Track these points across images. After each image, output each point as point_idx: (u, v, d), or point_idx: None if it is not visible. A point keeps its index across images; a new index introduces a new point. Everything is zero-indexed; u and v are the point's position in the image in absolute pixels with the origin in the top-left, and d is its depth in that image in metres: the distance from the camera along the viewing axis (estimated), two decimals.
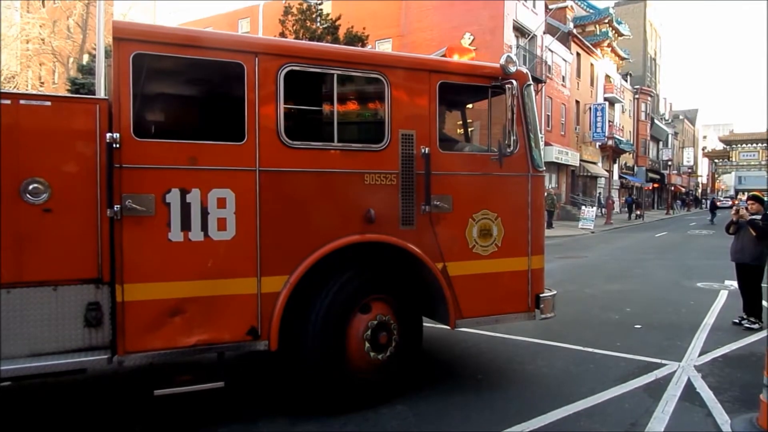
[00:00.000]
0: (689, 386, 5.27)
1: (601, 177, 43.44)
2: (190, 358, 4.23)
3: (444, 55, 5.39)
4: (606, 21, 43.70)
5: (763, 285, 7.66)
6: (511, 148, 4.88)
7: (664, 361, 5.96)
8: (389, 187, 4.59)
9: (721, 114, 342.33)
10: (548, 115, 34.11)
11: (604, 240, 22.78)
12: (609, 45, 44.38)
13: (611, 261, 15.52)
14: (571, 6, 39.77)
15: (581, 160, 38.86)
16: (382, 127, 4.58)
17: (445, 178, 4.81)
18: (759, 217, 7.65)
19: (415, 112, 4.69)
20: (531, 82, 5.27)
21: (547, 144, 32.97)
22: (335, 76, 4.41)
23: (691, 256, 16.81)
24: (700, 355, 6.30)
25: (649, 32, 62.10)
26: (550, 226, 27.23)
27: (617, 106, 47.38)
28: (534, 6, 32.11)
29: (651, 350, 6.39)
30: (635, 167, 53.84)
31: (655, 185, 60.41)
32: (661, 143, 64.63)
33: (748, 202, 7.95)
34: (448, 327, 4.86)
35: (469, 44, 28.74)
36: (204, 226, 4.00)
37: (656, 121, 60.32)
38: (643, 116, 55.09)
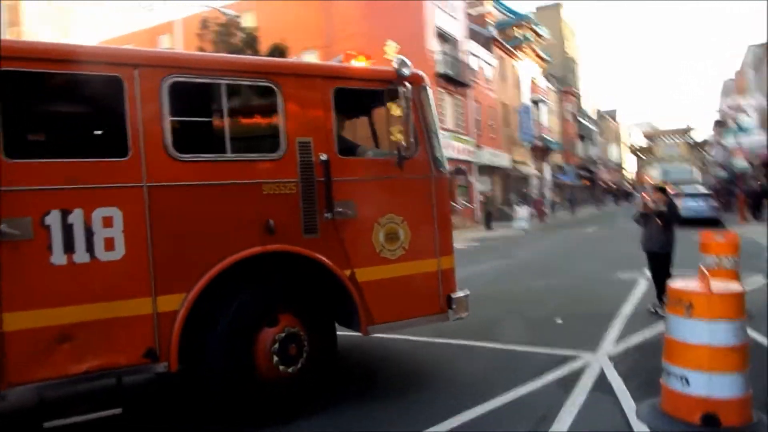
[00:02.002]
0: (601, 376, 5.39)
1: (533, 177, 44.77)
2: (88, 385, 4.00)
3: (342, 62, 5.38)
4: (526, 24, 45.24)
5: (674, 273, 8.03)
6: (411, 151, 4.90)
7: (579, 353, 6.08)
8: (289, 196, 4.51)
9: (643, 113, 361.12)
10: (477, 119, 34.90)
11: (537, 238, 23.40)
12: (530, 48, 45.94)
13: (541, 258, 15.96)
14: (491, 12, 41.01)
15: (513, 161, 39.93)
16: (277, 135, 4.50)
17: (348, 184, 4.77)
18: (663, 206, 8.02)
19: (312, 120, 4.63)
20: (427, 84, 5.32)
21: (478, 147, 33.75)
22: (223, 85, 4.30)
23: (616, 248, 17.45)
24: (614, 344, 6.50)
25: (565, 33, 64.71)
26: (489, 227, 27.88)
27: (543, 107, 49.03)
28: (454, 11, 32.79)
29: (569, 343, 6.50)
30: (565, 165, 55.86)
31: (587, 182, 62.84)
32: (588, 141, 67.37)
33: (654, 193, 8.33)
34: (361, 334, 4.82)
35: (395, 52, 29.09)
36: (90, 247, 3.79)
37: (581, 119, 62.84)
38: (568, 116, 57.27)
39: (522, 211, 28.54)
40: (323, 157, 4.58)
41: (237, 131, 4.47)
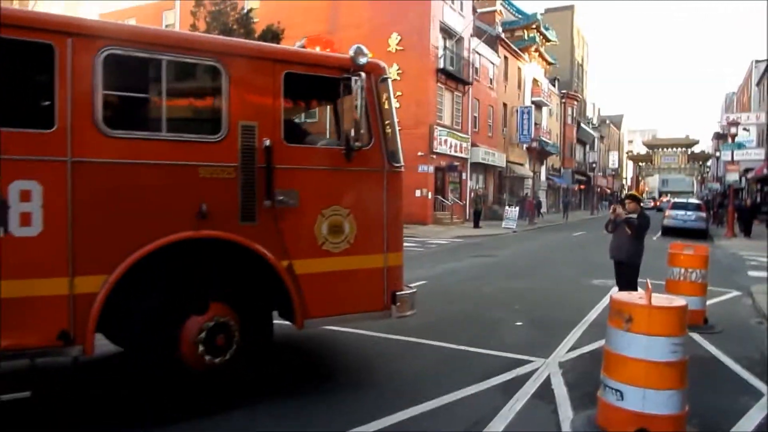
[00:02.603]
0: (546, 383, 5.29)
1: (528, 178, 44.61)
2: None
3: (303, 47, 5.22)
4: (534, 26, 44.93)
5: (640, 281, 7.90)
6: (362, 143, 4.75)
7: (530, 358, 5.97)
8: (227, 181, 4.35)
9: (646, 120, 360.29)
10: (475, 117, 34.69)
11: (523, 239, 23.31)
12: (536, 50, 45.67)
13: (520, 259, 15.84)
14: (500, 10, 40.69)
15: (508, 162, 39.74)
16: (219, 117, 4.34)
17: (292, 172, 4.62)
18: (635, 216, 7.88)
19: (258, 104, 4.47)
20: (388, 75, 5.16)
21: (474, 145, 33.58)
22: (164, 61, 4.14)
23: (599, 254, 17.23)
24: (568, 351, 6.39)
25: (576, 39, 64.35)
26: (477, 225, 27.75)
27: (545, 109, 48.79)
28: (461, 8, 32.52)
29: (523, 347, 6.40)
30: (562, 169, 55.68)
31: (582, 187, 62.70)
32: (587, 146, 67.15)
33: (626, 200, 8.18)
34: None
35: (397, 44, 28.86)
36: (3, 221, 3.63)
37: (582, 125, 62.61)
38: (569, 120, 57.04)
39: (511, 212, 28.43)
40: (266, 142, 4.43)
41: (175, 110, 4.33)
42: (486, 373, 5.48)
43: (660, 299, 4.10)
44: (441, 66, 29.53)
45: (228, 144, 4.34)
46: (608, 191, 76.46)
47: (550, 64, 50.29)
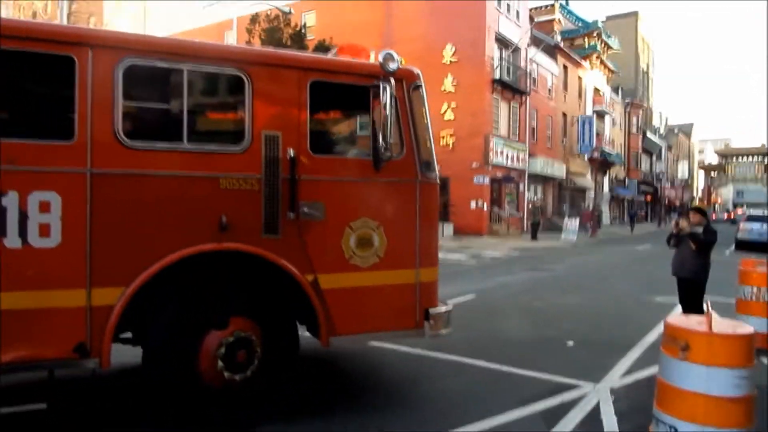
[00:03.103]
0: (594, 412, 4.82)
1: (589, 189, 43.10)
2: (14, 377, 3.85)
3: (336, 55, 5.06)
4: (595, 34, 43.62)
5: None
6: (393, 153, 4.51)
7: (579, 382, 5.50)
8: (250, 192, 4.21)
9: (718, 129, 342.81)
10: (533, 127, 33.85)
11: (583, 252, 22.35)
12: (598, 58, 44.26)
13: (577, 274, 15.10)
14: (559, 19, 39.73)
15: (568, 172, 38.54)
16: (242, 127, 4.21)
17: (318, 183, 4.44)
18: (700, 229, 7.25)
19: (282, 113, 4.32)
20: (420, 82, 4.91)
21: (531, 155, 32.74)
22: (186, 71, 4.05)
23: (664, 269, 16.24)
24: (622, 376, 5.87)
25: (640, 46, 62.05)
26: (534, 237, 26.94)
27: (607, 118, 47.18)
28: (518, 18, 31.92)
29: (572, 370, 5.92)
30: (627, 180, 53.56)
31: (649, 198, 60.10)
32: (654, 156, 64.38)
33: (690, 213, 7.57)
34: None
35: (451, 56, 28.58)
36: (23, 232, 3.61)
37: (649, 134, 60.10)
38: (634, 129, 54.87)
39: (571, 223, 27.43)
40: (290, 153, 4.27)
41: (197, 121, 4.24)
42: (529, 397, 5.08)
43: (723, 324, 3.63)
44: (497, 76, 29.00)
45: (251, 155, 4.21)
46: (677, 203, 72.91)
47: (612, 72, 48.60)
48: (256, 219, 4.23)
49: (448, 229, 27.61)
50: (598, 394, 5.23)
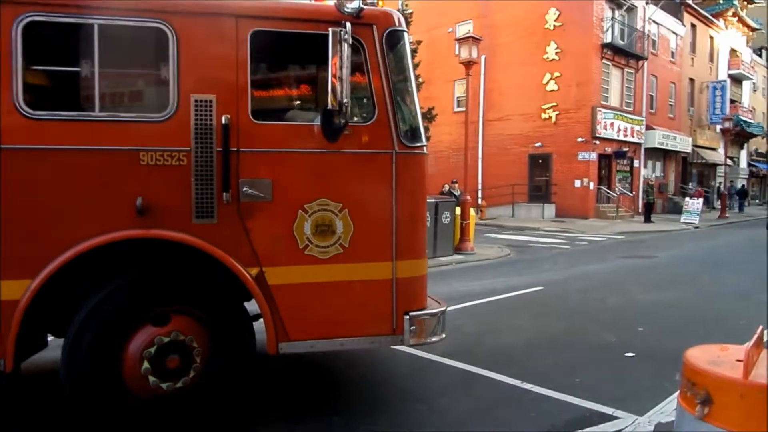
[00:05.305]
0: None
1: (721, 165, 38.33)
2: None
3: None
4: None
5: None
6: (353, 118, 3.64)
7: (618, 413, 4.26)
8: (177, 168, 3.54)
9: None
10: (651, 96, 30.41)
11: (702, 237, 19.70)
12: (735, 14, 38.86)
13: (684, 263, 13.08)
14: None
15: (695, 146, 34.41)
16: (165, 91, 3.54)
17: (262, 156, 3.68)
18: None
19: (216, 72, 3.59)
20: (400, 27, 3.94)
21: (649, 128, 29.51)
22: (96, 26, 3.44)
23: None
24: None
25: None
26: (648, 220, 24.35)
27: (746, 84, 41.53)
28: None
29: (616, 393, 4.68)
30: None
31: None
32: None
33: None
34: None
35: (555, 20, 26.26)
36: None
37: None
38: None
39: (693, 203, 24.35)
40: (224, 119, 3.54)
41: (111, 85, 3.62)
42: (544, 428, 4.03)
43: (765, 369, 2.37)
44: (607, 40, 26.22)
45: (177, 123, 3.53)
46: None
47: (753, 30, 42.53)
48: (185, 201, 3.56)
49: (549, 210, 25.71)
50: (640, 428, 4.03)
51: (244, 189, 3.61)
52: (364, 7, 3.67)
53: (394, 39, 3.89)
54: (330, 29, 3.44)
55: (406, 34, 4.00)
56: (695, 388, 2.35)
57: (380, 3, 4.02)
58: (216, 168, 3.57)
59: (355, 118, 3.78)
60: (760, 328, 2.72)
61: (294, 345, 3.75)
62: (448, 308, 4.36)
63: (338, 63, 3.43)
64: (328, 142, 3.64)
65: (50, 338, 4.22)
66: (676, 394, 4.45)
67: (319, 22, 3.68)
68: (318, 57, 3.76)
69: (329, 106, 3.46)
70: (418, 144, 3.99)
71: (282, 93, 4.56)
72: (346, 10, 3.56)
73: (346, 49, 3.43)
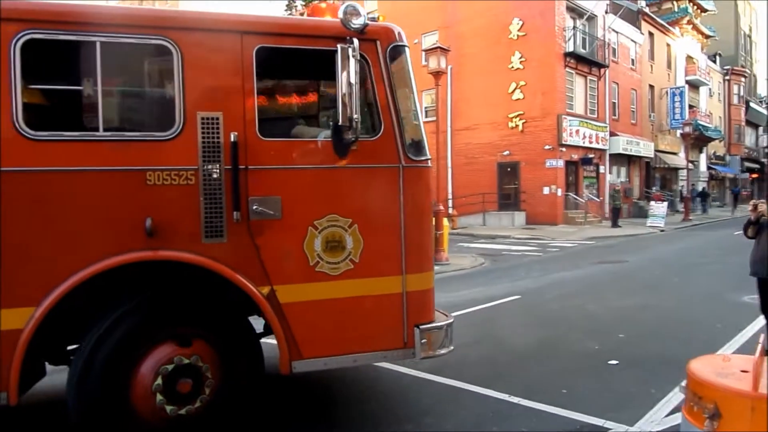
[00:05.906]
0: None
1: (682, 168, 39.54)
2: None
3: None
4: None
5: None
6: (362, 133, 3.64)
7: (607, 424, 4.27)
8: (185, 188, 3.50)
9: None
10: (614, 103, 31.25)
11: (670, 240, 20.22)
12: (689, 22, 40.33)
13: (654, 266, 13.40)
14: None
15: (657, 151, 35.44)
16: (171, 109, 3.49)
17: (271, 173, 3.67)
18: None
19: (222, 89, 3.58)
20: (402, 42, 3.98)
21: (613, 134, 30.27)
22: (99, 44, 3.36)
23: None
24: (669, 414, 4.43)
25: (741, 6, 56.15)
26: (615, 225, 24.89)
27: (703, 89, 43.03)
28: None
29: (604, 402, 4.70)
30: (727, 156, 48.91)
31: (755, 176, 54.61)
32: (761, 129, 58.39)
33: None
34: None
35: (518, 30, 26.78)
36: None
37: (753, 104, 54.53)
38: (735, 100, 49.87)
39: (657, 207, 25.05)
40: (233, 137, 3.50)
41: (115, 104, 3.55)
42: None
43: None
44: (570, 49, 26.86)
45: (184, 142, 3.49)
46: None
47: (707, 37, 44.22)
48: (194, 221, 3.50)
49: (519, 218, 26.08)
50: None
51: (253, 207, 3.58)
52: (369, 23, 3.68)
53: (396, 54, 3.94)
54: (338, 45, 3.46)
55: (407, 48, 4.04)
56: (702, 401, 2.40)
57: (381, 18, 4.02)
58: (225, 186, 3.53)
59: (362, 133, 3.78)
60: (762, 337, 2.79)
61: (307, 363, 3.72)
62: None
63: (347, 79, 3.43)
64: (338, 157, 3.66)
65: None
66: (663, 401, 4.63)
67: (324, 38, 3.70)
68: (323, 72, 3.79)
69: (340, 122, 3.46)
70: (423, 157, 4.03)
71: (288, 109, 4.53)
72: (352, 26, 3.58)
73: (354, 65, 3.44)
